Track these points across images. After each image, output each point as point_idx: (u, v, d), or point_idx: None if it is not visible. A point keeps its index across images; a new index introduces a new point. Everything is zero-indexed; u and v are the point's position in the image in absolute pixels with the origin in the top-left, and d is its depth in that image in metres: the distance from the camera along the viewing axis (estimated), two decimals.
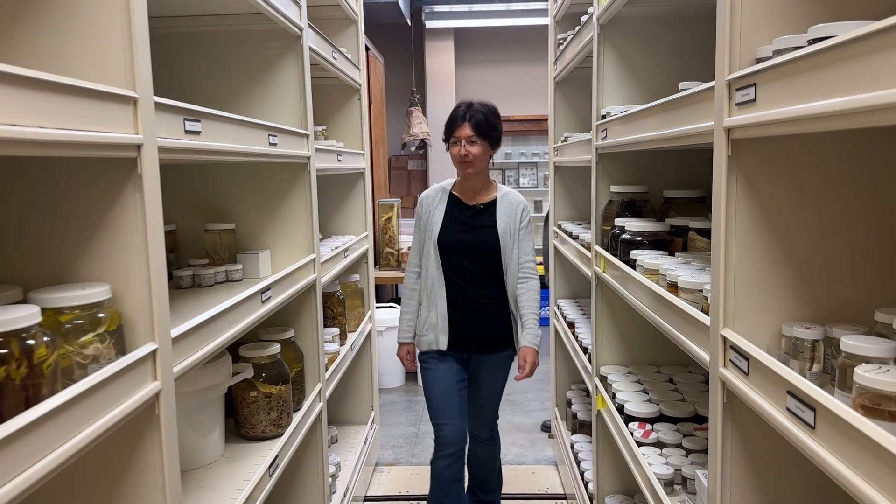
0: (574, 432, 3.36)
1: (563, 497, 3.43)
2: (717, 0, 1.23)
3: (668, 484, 1.78)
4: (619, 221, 2.21)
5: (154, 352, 1.22)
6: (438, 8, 7.17)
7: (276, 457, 1.99)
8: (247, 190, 2.32)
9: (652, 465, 1.82)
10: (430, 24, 7.33)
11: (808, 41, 0.99)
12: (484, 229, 2.61)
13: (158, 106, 1.24)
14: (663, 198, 2.33)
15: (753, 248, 1.22)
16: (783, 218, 1.22)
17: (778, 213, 1.21)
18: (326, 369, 2.63)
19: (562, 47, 3.35)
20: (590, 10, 2.55)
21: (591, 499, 2.73)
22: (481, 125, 2.54)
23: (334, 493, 2.80)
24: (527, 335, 2.60)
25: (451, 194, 2.70)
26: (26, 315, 0.97)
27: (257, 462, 1.98)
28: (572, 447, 3.22)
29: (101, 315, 1.16)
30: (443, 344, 2.63)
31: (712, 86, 1.26)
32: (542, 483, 3.61)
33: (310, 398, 2.41)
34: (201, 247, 2.25)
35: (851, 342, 0.97)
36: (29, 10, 1.16)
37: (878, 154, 1.22)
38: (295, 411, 2.27)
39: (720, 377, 1.26)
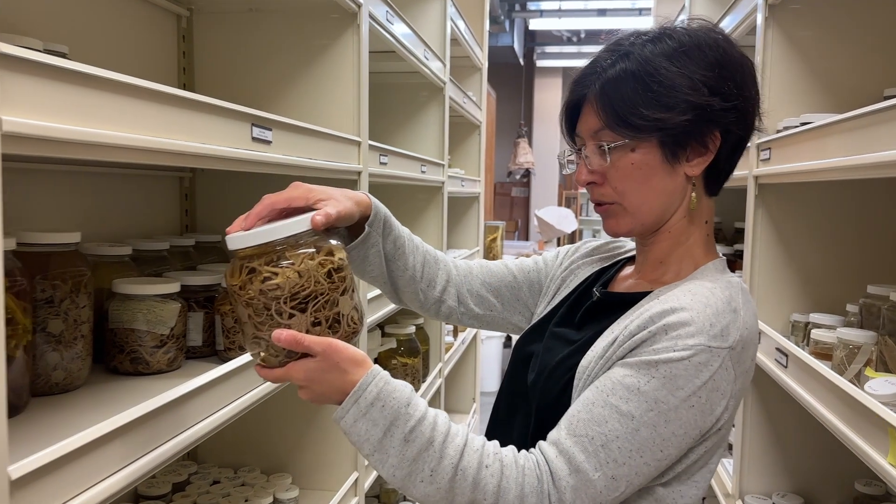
0: None
1: None
2: None
3: None
4: None
5: None
6: (549, 49, 7.82)
7: None
8: (397, 205, 2.99)
9: None
10: (540, 63, 7.98)
11: (799, 123, 1.53)
12: (566, 345, 1.07)
13: (370, 147, 1.90)
14: (734, 228, 2.83)
15: (772, 257, 1.75)
16: (792, 236, 1.74)
17: (788, 232, 1.74)
18: (445, 352, 3.26)
19: None
20: None
21: None
22: (611, 94, 1.00)
23: None
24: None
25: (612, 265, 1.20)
26: None
27: None
28: None
29: None
30: None
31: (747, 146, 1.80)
32: None
33: (433, 373, 3.03)
34: None
35: (814, 317, 1.50)
36: (299, 90, 1.85)
37: (859, 193, 1.73)
38: (423, 381, 2.90)
39: None
